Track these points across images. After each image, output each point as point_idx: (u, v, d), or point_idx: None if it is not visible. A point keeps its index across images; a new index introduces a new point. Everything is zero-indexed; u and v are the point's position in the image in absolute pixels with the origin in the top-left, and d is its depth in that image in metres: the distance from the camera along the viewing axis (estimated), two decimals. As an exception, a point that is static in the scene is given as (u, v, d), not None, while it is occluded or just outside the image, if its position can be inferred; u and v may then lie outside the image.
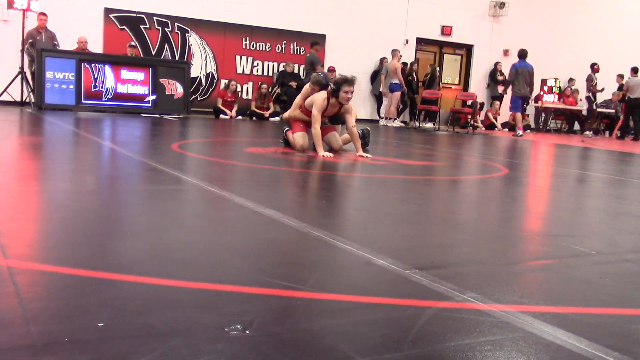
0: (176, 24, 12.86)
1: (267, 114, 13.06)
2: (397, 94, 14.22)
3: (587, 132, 16.12)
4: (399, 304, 1.94)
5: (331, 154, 6.09)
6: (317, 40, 13.68)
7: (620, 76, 16.52)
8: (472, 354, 1.57)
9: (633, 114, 14.99)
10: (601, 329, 1.83)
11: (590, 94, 16.40)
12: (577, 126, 17.07)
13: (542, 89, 16.48)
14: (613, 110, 16.45)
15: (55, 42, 11.12)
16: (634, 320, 1.94)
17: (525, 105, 13.96)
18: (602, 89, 16.48)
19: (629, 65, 15.22)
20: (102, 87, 11.15)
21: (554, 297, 2.13)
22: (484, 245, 3.01)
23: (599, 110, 16.93)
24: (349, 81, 6.31)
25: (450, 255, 2.70)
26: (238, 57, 13.59)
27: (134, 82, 11.46)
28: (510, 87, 13.34)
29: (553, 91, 16.38)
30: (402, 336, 1.66)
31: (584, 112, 16.93)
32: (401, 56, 14.45)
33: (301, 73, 14.08)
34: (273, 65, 13.95)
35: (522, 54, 13.19)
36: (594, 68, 16.24)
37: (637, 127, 15.00)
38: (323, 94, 6.43)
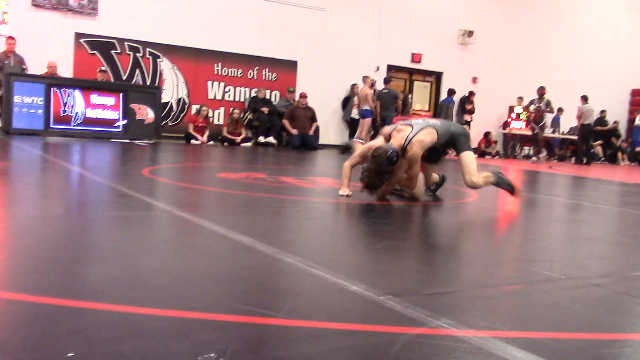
0: (147, 49, 12.84)
1: (238, 139, 13.05)
2: (368, 120, 14.32)
3: (534, 158, 16.32)
4: (374, 331, 1.94)
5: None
6: (390, 77, 14.88)
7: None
8: (447, 381, 1.57)
9: (587, 140, 15.53)
10: (573, 354, 1.84)
11: (532, 120, 16.48)
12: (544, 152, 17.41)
13: (509, 115, 16.80)
14: (576, 137, 16.71)
15: (24, 67, 11.01)
16: (605, 345, 1.96)
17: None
18: (547, 109, 16.48)
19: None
20: (71, 112, 11.05)
21: (525, 322, 2.14)
22: (457, 270, 3.03)
23: (565, 136, 17.31)
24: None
25: (424, 281, 2.71)
26: (210, 83, 13.60)
27: (104, 107, 11.37)
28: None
29: (520, 118, 16.71)
30: (377, 363, 1.65)
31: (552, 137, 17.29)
32: (374, 82, 14.56)
33: (273, 99, 14.14)
34: (245, 91, 13.98)
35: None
36: (540, 92, 16.35)
37: (588, 153, 15.60)
38: None
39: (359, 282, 2.44)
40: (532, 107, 16.29)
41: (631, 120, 19.05)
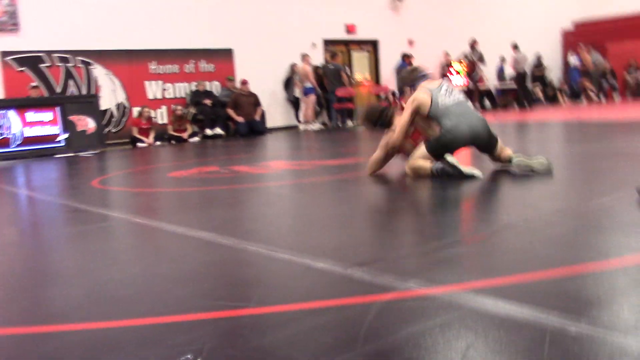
0: (78, 57, 12.48)
1: (185, 135, 12.88)
2: (312, 97, 14.31)
3: None
4: (346, 304, 1.96)
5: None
6: (335, 52, 14.91)
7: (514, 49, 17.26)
8: (423, 340, 1.60)
9: (524, 86, 16.09)
10: (538, 293, 1.90)
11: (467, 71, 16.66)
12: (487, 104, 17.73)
13: (449, 71, 17.00)
14: (515, 85, 17.11)
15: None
16: (566, 279, 2.03)
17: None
18: (479, 61, 16.72)
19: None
20: (9, 134, 10.70)
21: (491, 270, 2.20)
22: (419, 232, 3.08)
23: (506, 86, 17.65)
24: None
25: (388, 247, 2.75)
26: (147, 83, 13.33)
27: (42, 124, 11.04)
28: None
29: (460, 73, 16.93)
30: (353, 335, 1.67)
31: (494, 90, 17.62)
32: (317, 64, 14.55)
33: (214, 90, 13.98)
34: (184, 86, 13.77)
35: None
36: (473, 45, 16.59)
37: (528, 98, 16.15)
38: None
39: (324, 258, 2.46)
40: (463, 60, 16.52)
41: (566, 62, 19.50)
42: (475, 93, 16.71)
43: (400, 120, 4.92)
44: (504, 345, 1.54)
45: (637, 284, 1.93)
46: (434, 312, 1.80)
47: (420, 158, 4.70)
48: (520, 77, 16.37)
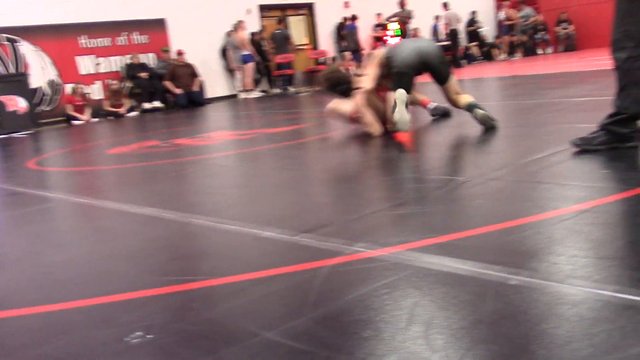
0: (2, 35, 11.95)
1: (122, 110, 12.57)
2: (251, 64, 14.15)
3: None
4: (295, 271, 1.97)
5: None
6: (282, 18, 14.98)
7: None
8: (370, 301, 1.63)
9: (457, 43, 16.56)
10: (480, 248, 1.96)
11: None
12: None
13: (385, 33, 17.04)
14: (449, 42, 17.37)
15: None
16: (507, 232, 2.09)
17: None
18: (409, 19, 16.89)
19: None
20: None
21: (435, 229, 2.25)
22: (364, 195, 3.11)
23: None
24: None
25: (334, 212, 2.77)
26: (79, 58, 12.89)
27: (-31, 106, 10.59)
28: None
29: (397, 34, 16.99)
30: (304, 301, 1.69)
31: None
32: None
33: (150, 62, 13.63)
34: (118, 60, 13.38)
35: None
36: (401, 3, 16.73)
37: (464, 55, 16.70)
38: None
39: (271, 227, 2.47)
40: (394, 18, 16.56)
41: (507, 18, 19.79)
42: None
43: (366, 73, 4.97)
44: (449, 300, 1.59)
45: (573, 234, 2.02)
46: (381, 273, 1.84)
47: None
48: (452, 34, 16.74)
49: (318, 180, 3.77)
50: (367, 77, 4.99)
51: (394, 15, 16.45)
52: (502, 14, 19.02)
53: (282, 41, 14.72)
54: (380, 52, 5.04)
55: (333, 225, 2.44)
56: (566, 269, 1.71)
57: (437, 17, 18.14)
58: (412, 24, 17.08)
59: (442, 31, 18.06)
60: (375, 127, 4.94)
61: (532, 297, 1.54)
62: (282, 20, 15.11)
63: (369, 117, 4.97)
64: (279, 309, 1.67)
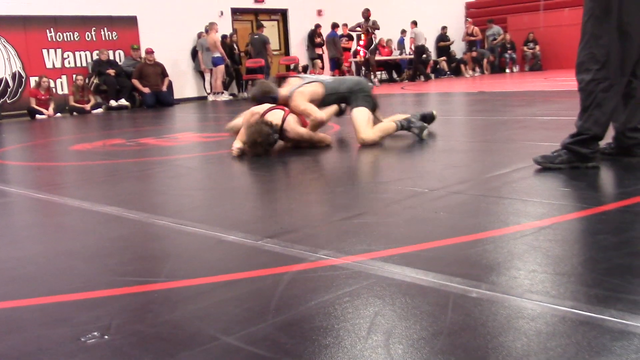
0: (-34, 24, 11.68)
1: (88, 107, 12.37)
2: (221, 67, 14.08)
3: (371, 83, 16.94)
4: (257, 276, 1.96)
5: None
6: (261, 23, 14.91)
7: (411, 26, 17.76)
8: (332, 309, 1.63)
9: (421, 59, 16.98)
10: (442, 260, 1.98)
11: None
12: (395, 75, 18.09)
13: (358, 44, 17.10)
14: (412, 56, 17.66)
15: None
16: (468, 245, 2.12)
17: None
18: (374, 29, 16.97)
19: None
20: None
21: (398, 239, 2.26)
22: (329, 202, 3.12)
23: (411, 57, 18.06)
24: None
25: (298, 219, 2.77)
26: (45, 51, 12.65)
27: None
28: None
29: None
30: (265, 306, 1.68)
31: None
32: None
33: (117, 59, 13.46)
34: (86, 55, 13.18)
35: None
36: (365, 14, 16.69)
37: (422, 72, 17.07)
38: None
39: (235, 231, 2.45)
40: (358, 29, 16.54)
41: (469, 34, 20.08)
42: (373, 64, 16.54)
43: (307, 107, 4.90)
44: (409, 310, 1.60)
45: (532, 249, 2.05)
46: (343, 281, 1.84)
47: (372, 127, 4.96)
48: (418, 50, 17.09)
49: (284, 186, 3.77)
50: (313, 108, 4.92)
51: (358, 26, 16.47)
52: (466, 30, 19.37)
53: (261, 45, 14.72)
54: (313, 90, 4.99)
55: (297, 232, 2.44)
56: (525, 283, 1.73)
57: (403, 31, 18.32)
58: (379, 35, 17.16)
59: (407, 45, 18.30)
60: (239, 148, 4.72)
61: (491, 310, 1.56)
62: (260, 26, 15.10)
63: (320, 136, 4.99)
64: (239, 314, 1.66)
